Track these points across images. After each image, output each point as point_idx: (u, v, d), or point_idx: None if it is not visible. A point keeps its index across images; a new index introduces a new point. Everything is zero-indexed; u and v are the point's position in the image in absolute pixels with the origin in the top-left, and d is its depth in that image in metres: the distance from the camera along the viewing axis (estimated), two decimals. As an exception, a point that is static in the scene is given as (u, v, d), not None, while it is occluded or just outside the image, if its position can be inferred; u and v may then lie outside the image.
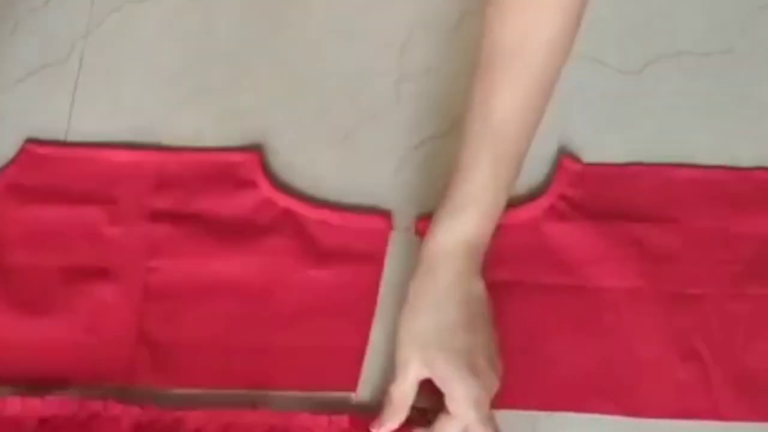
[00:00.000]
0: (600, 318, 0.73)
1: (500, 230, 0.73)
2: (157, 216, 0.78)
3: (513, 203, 0.76)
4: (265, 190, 0.79)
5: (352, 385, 0.72)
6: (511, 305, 0.73)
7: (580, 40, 0.84)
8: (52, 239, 0.77)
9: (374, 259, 0.76)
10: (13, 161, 0.81)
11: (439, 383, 0.66)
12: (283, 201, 0.78)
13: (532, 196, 0.78)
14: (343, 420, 0.69)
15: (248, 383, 0.72)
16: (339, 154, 0.81)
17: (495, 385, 0.67)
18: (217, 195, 0.78)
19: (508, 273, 0.74)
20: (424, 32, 0.85)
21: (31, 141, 0.82)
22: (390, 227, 0.77)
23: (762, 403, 0.70)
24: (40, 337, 0.73)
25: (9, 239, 0.77)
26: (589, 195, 0.77)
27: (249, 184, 0.79)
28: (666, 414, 0.70)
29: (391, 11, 0.86)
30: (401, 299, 0.70)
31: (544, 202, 0.77)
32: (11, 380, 0.72)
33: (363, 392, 0.72)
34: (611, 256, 0.74)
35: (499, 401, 0.68)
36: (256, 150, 0.81)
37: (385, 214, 0.78)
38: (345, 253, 0.76)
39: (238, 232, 0.77)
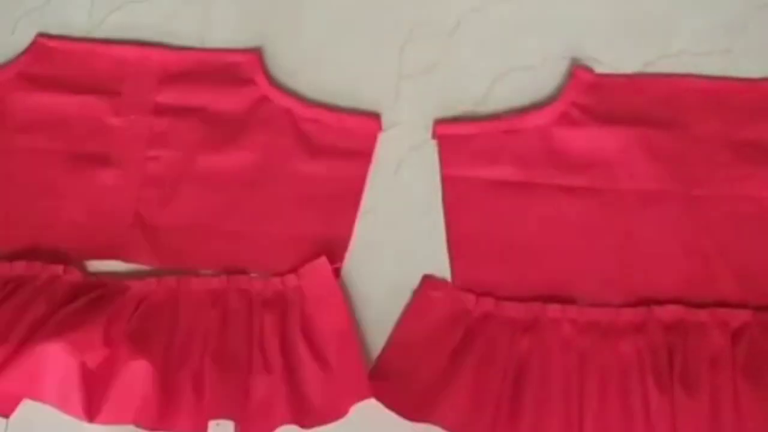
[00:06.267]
0: (610, 216, 0.76)
1: (514, 134, 0.77)
2: (158, 109, 0.81)
3: (526, 109, 0.79)
4: (264, 88, 0.81)
5: (336, 272, 0.75)
6: (524, 205, 0.76)
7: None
8: (57, 126, 0.80)
9: (363, 156, 0.79)
10: (24, 52, 0.83)
11: None
12: (280, 99, 0.81)
13: (546, 103, 0.80)
14: (277, 282, 0.74)
15: (233, 265, 0.76)
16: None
17: None
18: (217, 91, 0.81)
19: (521, 174, 0.77)
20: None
21: (42, 35, 0.84)
22: (379, 127, 0.80)
23: (763, 291, 0.73)
24: (43, 216, 0.77)
25: (17, 124, 0.80)
26: (600, 102, 0.79)
27: (248, 82, 0.82)
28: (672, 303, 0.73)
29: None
30: (385, 194, 0.75)
31: (556, 109, 0.79)
32: (14, 256, 0.75)
33: (348, 278, 0.76)
34: (620, 159, 0.77)
35: (514, 291, 0.73)
36: (256, 51, 0.83)
37: (374, 116, 0.80)
38: (335, 150, 0.78)
39: (234, 126, 0.80)
